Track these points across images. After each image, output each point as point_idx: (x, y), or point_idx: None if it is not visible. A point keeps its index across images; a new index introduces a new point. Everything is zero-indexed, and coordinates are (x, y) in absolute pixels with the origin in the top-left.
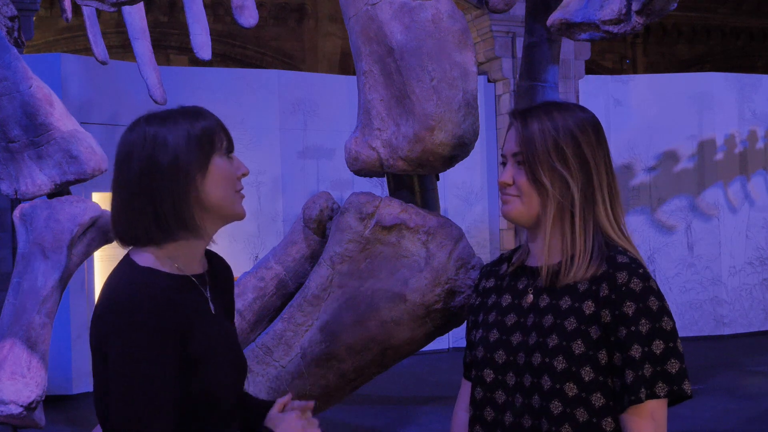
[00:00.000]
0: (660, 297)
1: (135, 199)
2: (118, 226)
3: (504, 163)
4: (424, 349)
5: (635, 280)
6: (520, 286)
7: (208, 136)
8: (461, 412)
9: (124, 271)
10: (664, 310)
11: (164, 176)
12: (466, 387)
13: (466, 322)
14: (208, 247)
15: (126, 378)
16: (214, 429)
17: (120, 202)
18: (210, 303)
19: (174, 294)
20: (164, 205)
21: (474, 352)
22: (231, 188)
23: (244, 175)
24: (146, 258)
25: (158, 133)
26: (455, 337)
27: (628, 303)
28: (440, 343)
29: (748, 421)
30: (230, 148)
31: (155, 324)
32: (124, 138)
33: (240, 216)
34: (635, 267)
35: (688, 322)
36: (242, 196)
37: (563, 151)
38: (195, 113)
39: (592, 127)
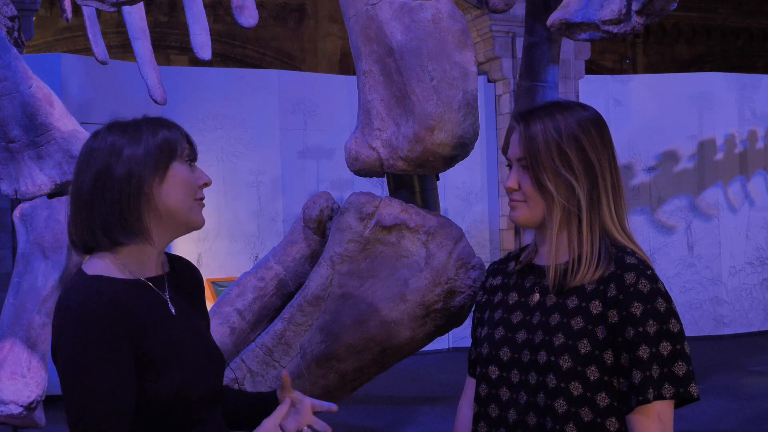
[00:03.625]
0: (668, 299)
1: (86, 206)
2: (72, 232)
3: (509, 166)
4: (424, 349)
5: (643, 281)
6: (527, 285)
7: (169, 144)
8: (466, 409)
9: (74, 281)
10: (672, 312)
11: (116, 184)
12: (470, 384)
13: (471, 319)
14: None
15: (75, 386)
16: (184, 428)
17: (74, 208)
18: (170, 305)
19: (124, 298)
20: (111, 212)
21: (479, 349)
22: (190, 195)
23: (206, 184)
24: (96, 266)
25: (117, 142)
26: (455, 337)
27: (635, 304)
28: (440, 343)
29: (748, 421)
30: (192, 157)
31: (104, 330)
32: (85, 146)
33: (197, 225)
34: (643, 268)
35: (688, 322)
36: (202, 205)
37: (567, 155)
38: (158, 123)
39: (596, 127)
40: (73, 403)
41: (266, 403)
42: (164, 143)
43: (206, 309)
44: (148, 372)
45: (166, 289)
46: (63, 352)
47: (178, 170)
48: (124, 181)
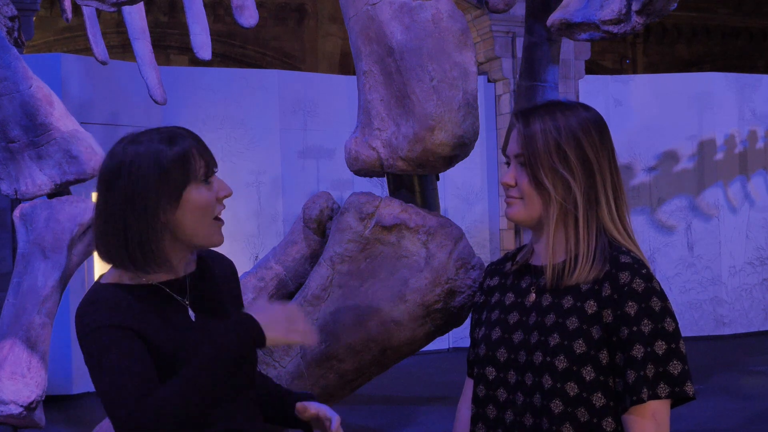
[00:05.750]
0: (663, 298)
1: (109, 225)
2: (98, 246)
3: (508, 163)
4: (424, 349)
5: (637, 280)
6: (524, 285)
7: (182, 166)
8: (464, 410)
9: (90, 290)
10: (667, 311)
11: (136, 209)
12: (469, 385)
13: (470, 320)
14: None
15: (100, 373)
16: (208, 421)
17: (99, 223)
18: (187, 307)
19: (132, 300)
20: (133, 239)
21: (477, 349)
22: (207, 218)
23: (226, 196)
24: (112, 275)
25: (133, 164)
26: (455, 337)
27: (630, 303)
28: (440, 343)
29: (748, 421)
30: (210, 171)
31: (110, 322)
32: (104, 165)
33: (215, 245)
34: (638, 267)
35: (688, 322)
36: (220, 223)
37: (565, 152)
38: (171, 138)
39: (596, 127)
40: (101, 394)
41: (295, 399)
42: (175, 168)
43: (241, 302)
44: (164, 369)
45: (187, 291)
46: (84, 351)
47: (192, 195)
48: (142, 209)
